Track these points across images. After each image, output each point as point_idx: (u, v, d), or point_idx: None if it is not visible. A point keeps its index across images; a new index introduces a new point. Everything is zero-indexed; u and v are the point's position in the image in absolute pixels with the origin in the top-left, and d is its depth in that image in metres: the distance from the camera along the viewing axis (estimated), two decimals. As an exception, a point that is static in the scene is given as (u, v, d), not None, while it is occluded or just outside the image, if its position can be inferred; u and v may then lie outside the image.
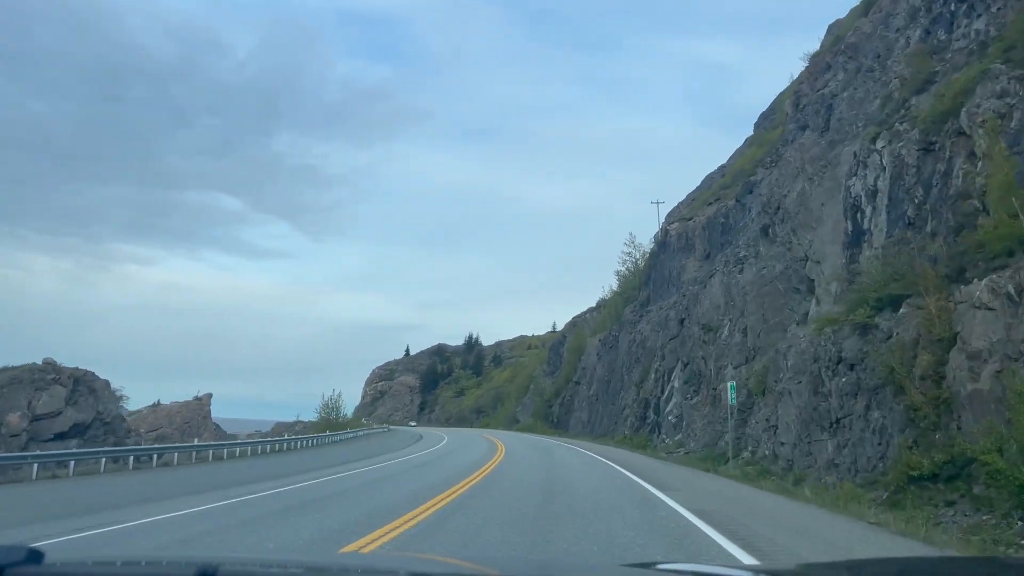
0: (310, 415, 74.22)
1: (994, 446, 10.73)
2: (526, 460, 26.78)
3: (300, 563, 2.59)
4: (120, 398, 41.20)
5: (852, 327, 17.25)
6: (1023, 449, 10.13)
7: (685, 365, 35.73)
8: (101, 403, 37.42)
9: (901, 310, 15.65)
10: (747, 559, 8.04)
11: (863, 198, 24.14)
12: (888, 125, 24.28)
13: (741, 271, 32.54)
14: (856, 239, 24.03)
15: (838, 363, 17.24)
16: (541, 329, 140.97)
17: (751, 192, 41.85)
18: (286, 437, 42.31)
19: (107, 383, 38.76)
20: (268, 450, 35.09)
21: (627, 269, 71.01)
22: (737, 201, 45.77)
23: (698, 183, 69.35)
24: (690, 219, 54.19)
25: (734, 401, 21.19)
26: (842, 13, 41.75)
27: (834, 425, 16.72)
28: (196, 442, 42.14)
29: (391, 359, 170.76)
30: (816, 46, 44.92)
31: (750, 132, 64.55)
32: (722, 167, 65.32)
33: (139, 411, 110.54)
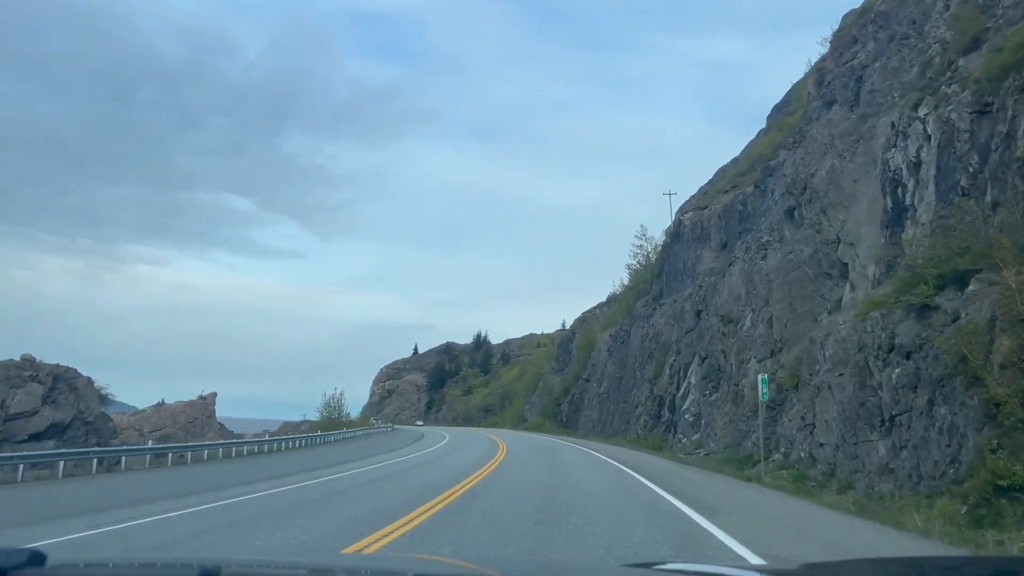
0: (317, 414, 72.17)
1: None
2: (524, 467, 22.98)
3: (302, 564, 2.86)
4: (105, 397, 39.10)
5: (905, 309, 14.85)
6: None
7: (703, 359, 33.32)
8: (83, 402, 35.32)
9: (969, 287, 13.25)
10: None
11: (904, 171, 21.71)
12: (932, 90, 21.82)
13: (764, 257, 30.11)
14: (897, 216, 21.60)
15: (890, 351, 14.85)
16: (551, 328, 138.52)
17: (772, 175, 39.37)
18: (277, 437, 40.17)
19: (90, 380, 36.67)
20: (242, 452, 33.03)
21: (638, 262, 68.61)
22: (756, 187, 43.29)
23: (710, 177, 66.78)
24: (705, 208, 51.69)
25: (765, 397, 18.79)
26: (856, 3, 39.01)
27: (887, 423, 14.33)
28: (180, 443, 40.40)
29: (399, 358, 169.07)
30: (824, 39, 42.38)
31: (762, 126, 62.00)
32: (735, 159, 62.76)
33: (143, 411, 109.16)
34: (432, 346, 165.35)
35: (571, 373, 69.60)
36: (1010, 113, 16.87)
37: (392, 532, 9.67)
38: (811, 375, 18.95)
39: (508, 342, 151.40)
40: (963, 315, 12.87)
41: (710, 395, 31.45)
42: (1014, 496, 10.14)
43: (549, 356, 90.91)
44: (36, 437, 32.13)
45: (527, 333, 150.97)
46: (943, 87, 21.18)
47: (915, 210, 20.67)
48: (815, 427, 17.50)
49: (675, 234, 55.40)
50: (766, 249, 30.33)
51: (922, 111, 21.65)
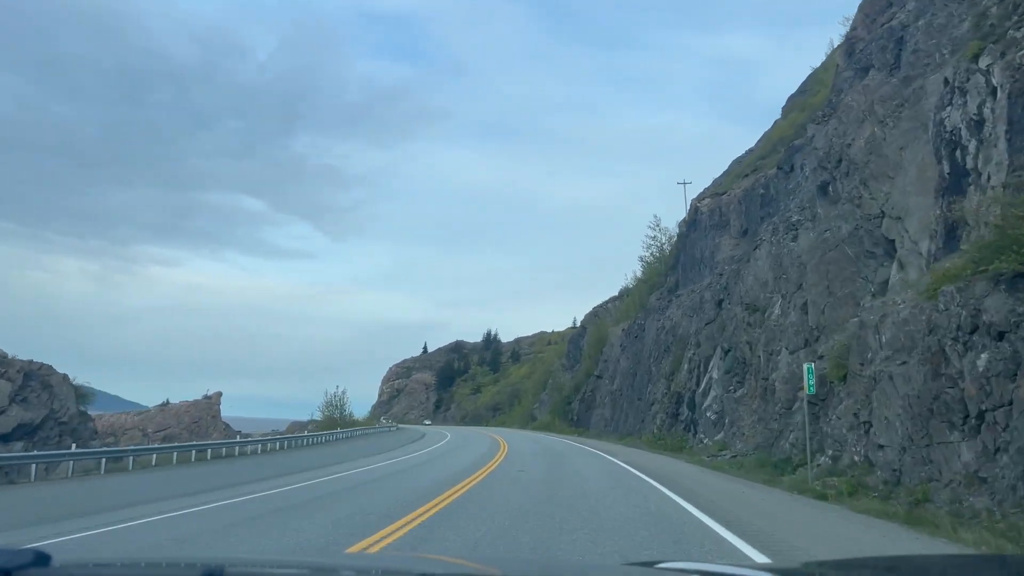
0: (318, 414, 69.71)
1: None
2: (518, 480, 17.86)
3: (305, 563, 2.76)
4: (86, 395, 36.66)
5: (991, 281, 12.04)
6: None
7: (726, 352, 30.49)
8: (57, 400, 32.87)
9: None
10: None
11: (963, 131, 18.81)
12: (996, 37, 18.91)
13: (795, 238, 27.25)
14: (956, 182, 18.71)
15: (972, 332, 12.04)
16: (562, 326, 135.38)
17: (799, 152, 36.46)
18: (254, 439, 37.57)
19: (65, 377, 34.21)
20: (218, 453, 30.67)
21: (652, 254, 65.74)
22: (779, 169, 40.42)
23: (724, 168, 63.62)
24: (723, 194, 48.79)
25: (812, 390, 15.94)
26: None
27: (972, 420, 11.52)
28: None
29: (409, 357, 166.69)
30: (847, 17, 39.40)
31: (777, 117, 58.83)
32: (750, 150, 59.72)
33: (147, 411, 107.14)
34: (442, 345, 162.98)
35: (582, 370, 66.69)
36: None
37: None
38: (862, 364, 16.13)
39: (518, 340, 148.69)
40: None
41: (735, 391, 28.62)
42: None
43: (559, 353, 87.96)
44: (2, 439, 29.70)
45: (538, 331, 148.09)
46: (1010, 31, 18.26)
47: (979, 173, 17.80)
48: (871, 425, 14.68)
49: (691, 222, 52.52)
50: (796, 229, 27.47)
51: (983, 62, 18.72)
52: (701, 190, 60.59)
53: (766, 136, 54.26)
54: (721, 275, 36.34)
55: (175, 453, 27.26)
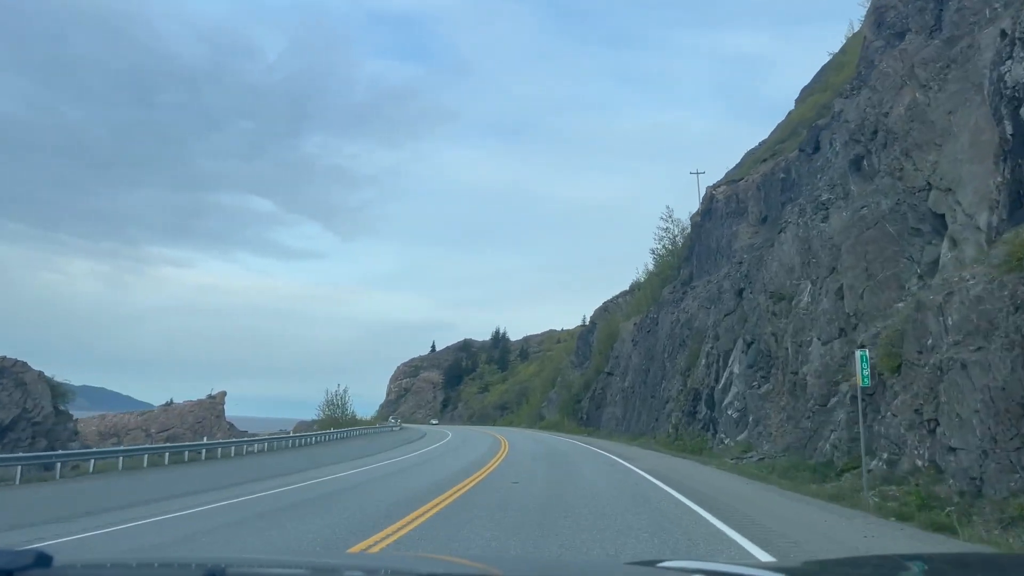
0: (319, 413, 67.53)
1: None
2: (517, 487, 15.45)
3: (307, 563, 2.77)
4: (65, 393, 34.60)
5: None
6: None
7: (748, 345, 28.06)
8: (31, 399, 30.82)
9: None
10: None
11: (1028, 86, 16.41)
12: (1065, -22, 16.49)
13: (825, 219, 24.81)
14: (1021, 144, 16.28)
15: (1078, 308, 9.62)
16: (571, 324, 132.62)
17: (823, 131, 33.97)
18: (228, 440, 35.29)
19: (41, 375, 32.17)
20: (198, 455, 28.46)
21: (664, 247, 63.21)
22: (801, 151, 37.93)
23: (736, 161, 60.84)
24: (740, 180, 46.27)
25: (867, 382, 13.49)
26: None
27: (1084, 418, 9.10)
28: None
29: (417, 355, 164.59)
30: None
31: (789, 110, 56.00)
32: (763, 142, 57.06)
33: (150, 411, 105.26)
34: (451, 344, 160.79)
35: (592, 367, 64.22)
36: None
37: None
38: (921, 352, 13.71)
39: (527, 339, 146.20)
40: None
41: (759, 387, 26.20)
42: None
43: (568, 350, 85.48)
44: (-32, 440, 27.67)
45: (547, 329, 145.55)
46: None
47: (1051, 132, 15.39)
48: (938, 424, 12.26)
49: (706, 211, 50.00)
50: (827, 209, 25.02)
51: (1051, 7, 16.31)
52: (715, 181, 58.08)
53: (782, 124, 51.62)
54: (740, 263, 33.89)
55: (167, 454, 25.89)
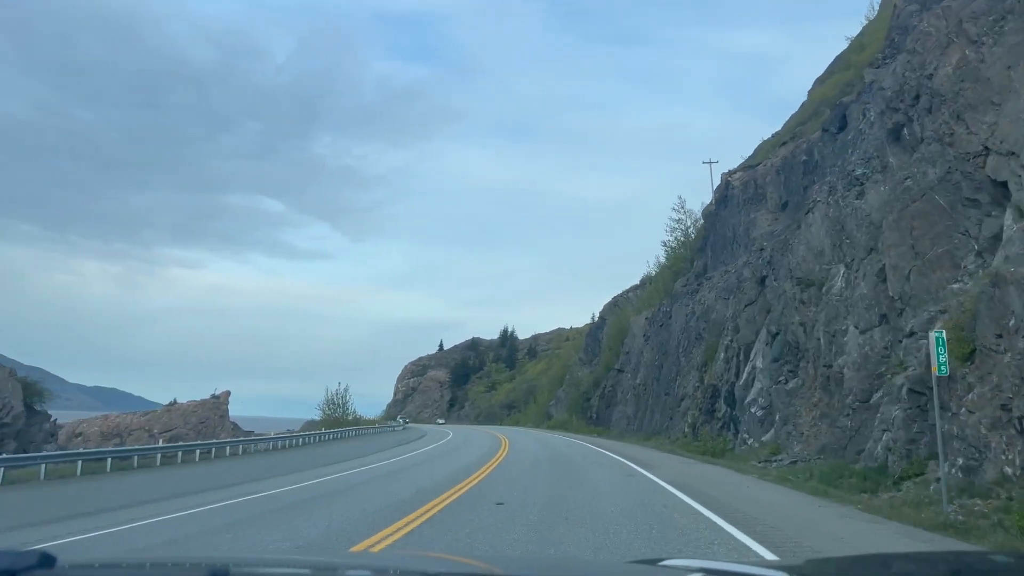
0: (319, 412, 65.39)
1: None
2: (502, 510, 11.71)
3: (309, 563, 2.88)
4: (40, 392, 32.52)
5: None
6: None
7: (773, 336, 25.64)
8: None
9: None
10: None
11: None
12: None
13: (860, 195, 22.37)
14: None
15: None
16: (580, 322, 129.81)
17: (851, 106, 31.50)
18: (203, 442, 33.12)
19: (12, 372, 30.09)
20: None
21: (676, 239, 60.72)
22: (824, 131, 35.47)
23: (750, 153, 58.13)
24: (757, 165, 43.77)
25: (945, 370, 10.98)
26: None
27: None
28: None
29: (425, 354, 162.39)
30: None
31: (796, 107, 53.20)
32: (776, 134, 54.38)
33: (154, 411, 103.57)
34: (458, 343, 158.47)
35: (601, 363, 61.71)
36: None
37: None
38: (1001, 336, 11.30)
39: (536, 337, 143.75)
40: None
41: (785, 381, 23.78)
42: None
43: (577, 347, 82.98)
44: (-76, 442, 25.57)
45: (555, 327, 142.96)
46: None
47: None
48: (1033, 422, 9.85)
49: (721, 199, 47.51)
50: (862, 185, 22.58)
51: None
52: (730, 168, 55.43)
53: (804, 105, 48.99)
54: (762, 250, 31.45)
55: (159, 455, 25.26)
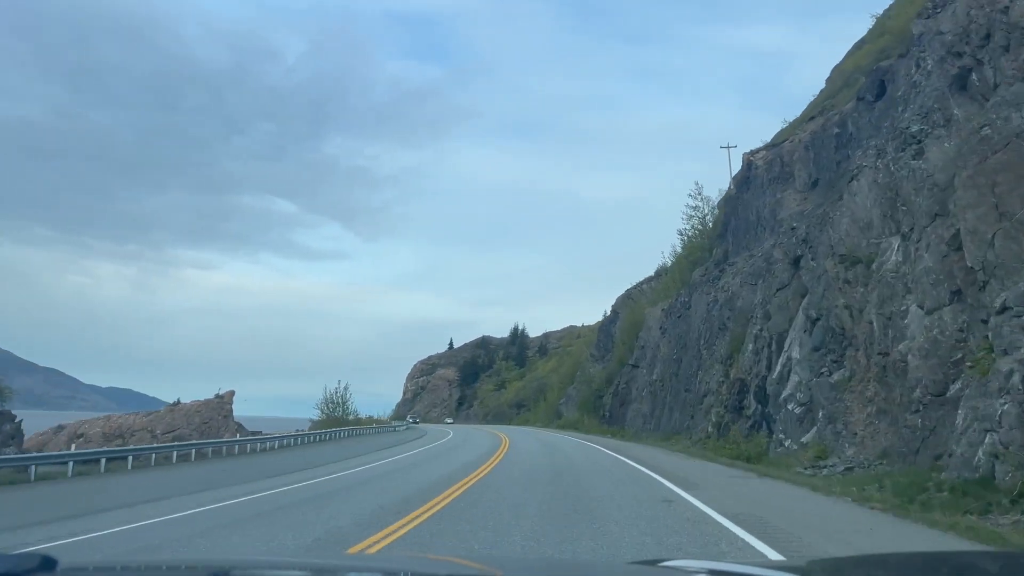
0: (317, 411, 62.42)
1: None
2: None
3: (310, 564, 2.77)
4: (1, 391, 29.81)
5: None
6: None
7: (813, 322, 22.40)
8: (-54, 396, 25.94)
9: None
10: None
11: None
12: None
13: (919, 154, 19.09)
14: None
15: None
16: (592, 320, 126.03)
17: (891, 69, 28.21)
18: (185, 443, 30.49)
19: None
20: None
21: (692, 227, 57.44)
22: (860, 99, 32.20)
23: (772, 136, 54.47)
24: (782, 143, 40.45)
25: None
26: None
27: None
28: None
29: (434, 353, 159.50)
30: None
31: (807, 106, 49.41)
32: (786, 122, 50.80)
33: (157, 411, 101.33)
34: (468, 341, 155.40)
35: (614, 359, 58.42)
36: None
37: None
38: None
39: (547, 335, 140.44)
40: None
41: (829, 373, 20.54)
42: None
43: (589, 343, 79.70)
44: None
45: (567, 325, 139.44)
46: None
47: None
48: None
49: (743, 181, 44.20)
50: (919, 142, 19.30)
51: None
52: (751, 153, 51.86)
53: (830, 79, 45.53)
54: (793, 228, 28.18)
55: (152, 455, 24.50)
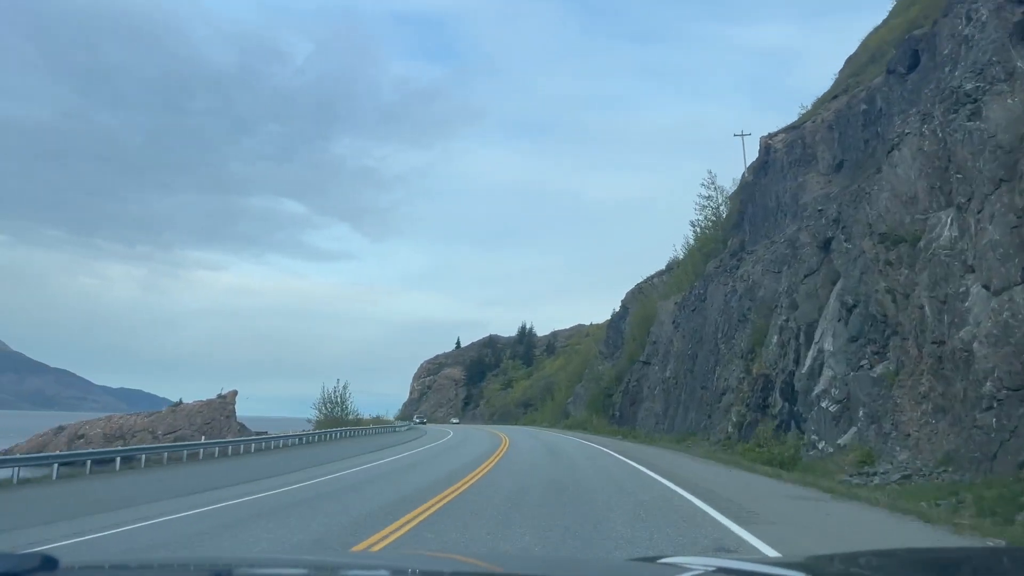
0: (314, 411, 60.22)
1: None
2: None
3: (312, 563, 2.69)
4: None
5: None
6: None
7: (849, 310, 20.02)
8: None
9: None
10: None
11: None
12: None
13: (975, 114, 16.67)
14: None
15: None
16: (600, 319, 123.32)
17: (925, 39, 25.78)
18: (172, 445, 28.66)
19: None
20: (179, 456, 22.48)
21: (706, 218, 55.03)
22: (890, 72, 29.72)
23: (791, 120, 51.70)
24: (804, 124, 37.99)
25: None
26: None
27: None
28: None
29: (441, 352, 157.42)
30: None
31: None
32: (799, 108, 48.11)
33: (158, 412, 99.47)
34: (475, 340, 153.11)
35: (624, 355, 55.99)
36: None
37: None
38: None
39: (555, 333, 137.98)
40: None
41: (870, 366, 18.16)
42: None
43: (598, 340, 77.21)
44: None
45: (575, 324, 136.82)
46: None
47: None
48: None
49: (761, 166, 41.77)
50: (975, 100, 16.87)
51: None
52: (769, 136, 49.26)
53: (852, 58, 42.95)
54: (821, 211, 25.79)
55: (143, 456, 23.61)
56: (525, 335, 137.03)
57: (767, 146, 41.14)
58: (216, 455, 27.13)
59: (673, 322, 44.00)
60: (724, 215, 53.61)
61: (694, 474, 18.30)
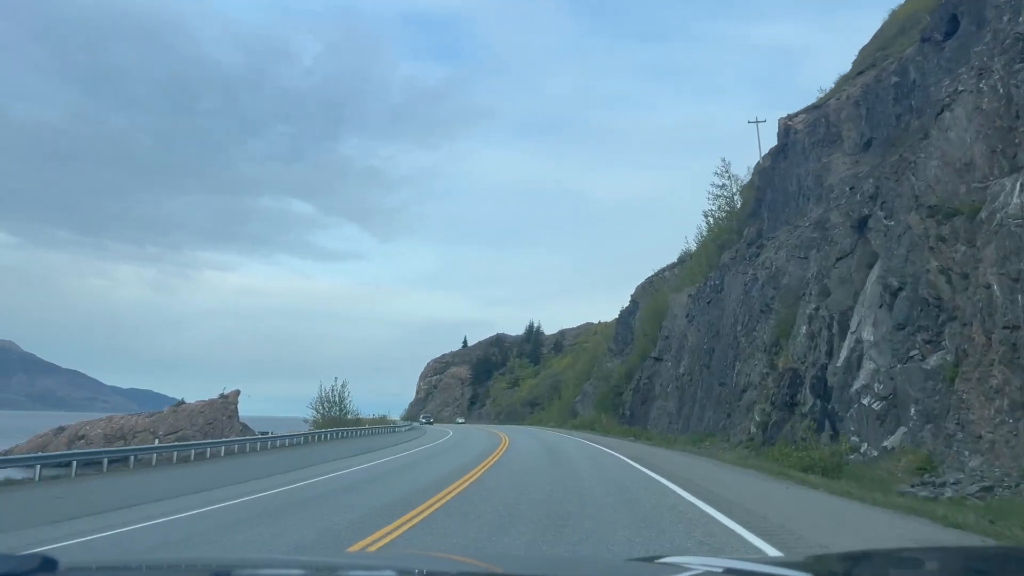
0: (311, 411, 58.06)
1: None
2: None
3: (311, 563, 2.81)
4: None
5: None
6: None
7: (893, 293, 17.63)
8: None
9: None
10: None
11: None
12: None
13: (1048, 61, 14.26)
14: None
15: None
16: (608, 317, 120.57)
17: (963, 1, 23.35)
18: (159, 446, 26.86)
19: None
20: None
21: (720, 207, 52.60)
22: (924, 41, 27.27)
23: (810, 102, 49.06)
24: (827, 102, 35.53)
25: None
26: None
27: None
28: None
29: (448, 351, 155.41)
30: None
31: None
32: (816, 95, 45.45)
33: (159, 412, 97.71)
34: (482, 339, 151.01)
35: (635, 352, 53.57)
36: None
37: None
38: None
39: (563, 332, 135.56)
40: None
41: (923, 357, 15.78)
42: None
43: (607, 337, 74.79)
44: None
45: (583, 322, 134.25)
46: None
47: None
48: None
49: (780, 149, 39.31)
50: (1048, 47, 14.47)
51: None
52: (788, 117, 46.69)
53: (878, 33, 40.38)
54: (852, 188, 23.38)
55: (133, 457, 23.01)
56: (532, 334, 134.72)
57: (786, 128, 38.66)
58: (208, 455, 26.91)
59: (687, 315, 41.56)
60: (739, 205, 51.18)
61: (730, 488, 14.01)
